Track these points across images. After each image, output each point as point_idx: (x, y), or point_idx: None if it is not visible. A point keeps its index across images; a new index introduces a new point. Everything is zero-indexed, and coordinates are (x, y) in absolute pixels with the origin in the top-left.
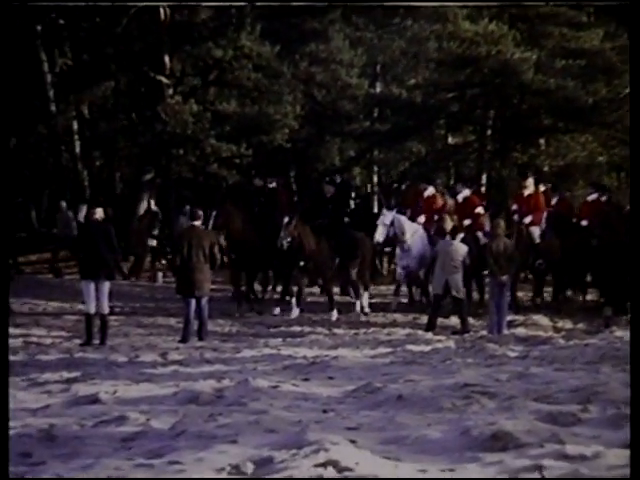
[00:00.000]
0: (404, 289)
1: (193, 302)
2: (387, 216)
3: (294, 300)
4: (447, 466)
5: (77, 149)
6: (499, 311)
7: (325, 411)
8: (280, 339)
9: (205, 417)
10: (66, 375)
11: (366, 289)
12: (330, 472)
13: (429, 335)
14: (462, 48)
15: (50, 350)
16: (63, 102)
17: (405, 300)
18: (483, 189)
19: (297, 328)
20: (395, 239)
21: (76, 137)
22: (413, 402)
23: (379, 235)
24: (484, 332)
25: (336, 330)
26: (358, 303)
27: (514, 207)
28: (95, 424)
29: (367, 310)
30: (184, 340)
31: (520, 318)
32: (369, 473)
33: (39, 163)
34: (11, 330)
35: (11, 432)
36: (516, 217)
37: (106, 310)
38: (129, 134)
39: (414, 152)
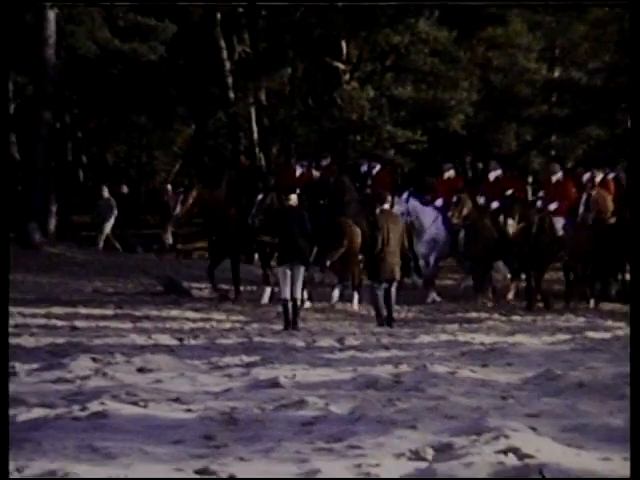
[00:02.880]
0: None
1: (384, 286)
2: (401, 205)
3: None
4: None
5: (255, 135)
6: None
7: (504, 398)
8: (457, 325)
9: (384, 402)
10: (246, 359)
11: (355, 287)
12: (511, 459)
13: (609, 322)
14: None
15: (229, 334)
16: (241, 89)
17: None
18: None
19: (474, 314)
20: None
21: (254, 124)
22: (594, 389)
23: None
24: None
25: (513, 316)
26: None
27: (541, 194)
28: (275, 408)
29: (356, 308)
30: (381, 324)
31: None
32: (551, 460)
33: (218, 150)
34: (192, 314)
35: (194, 415)
36: (539, 203)
37: (299, 295)
38: (306, 120)
39: (593, 137)
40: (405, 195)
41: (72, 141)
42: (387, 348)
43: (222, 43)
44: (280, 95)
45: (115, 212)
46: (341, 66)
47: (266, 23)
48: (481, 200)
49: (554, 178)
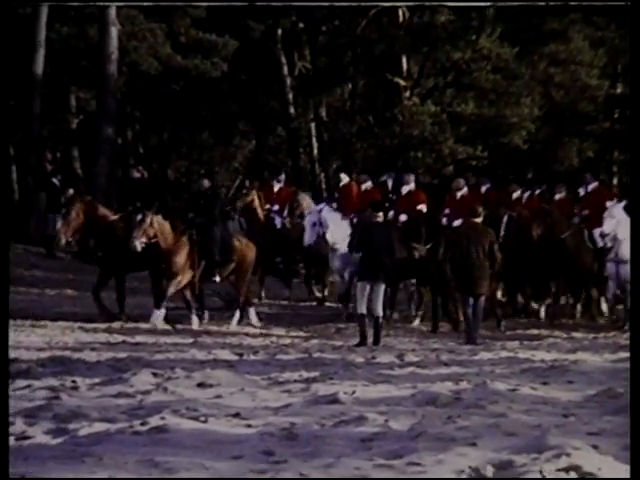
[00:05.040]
0: None
1: (471, 300)
2: (313, 215)
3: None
4: None
5: (315, 151)
6: None
7: (565, 416)
8: (517, 342)
9: (444, 419)
10: (305, 374)
11: (248, 304)
12: (572, 477)
13: None
14: None
15: (289, 350)
16: (302, 105)
17: None
18: None
19: (534, 331)
20: (324, 240)
21: (314, 140)
22: None
23: (307, 238)
24: None
25: (574, 334)
26: (194, 318)
27: (445, 211)
28: (335, 424)
29: (257, 324)
30: (471, 342)
31: None
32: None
33: (278, 165)
34: (251, 330)
35: (253, 430)
36: (444, 220)
37: (380, 312)
38: (366, 136)
39: None
40: (321, 205)
41: (134, 157)
42: (447, 365)
43: (283, 59)
44: (340, 111)
45: None
46: (402, 82)
47: (327, 39)
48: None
49: (459, 194)
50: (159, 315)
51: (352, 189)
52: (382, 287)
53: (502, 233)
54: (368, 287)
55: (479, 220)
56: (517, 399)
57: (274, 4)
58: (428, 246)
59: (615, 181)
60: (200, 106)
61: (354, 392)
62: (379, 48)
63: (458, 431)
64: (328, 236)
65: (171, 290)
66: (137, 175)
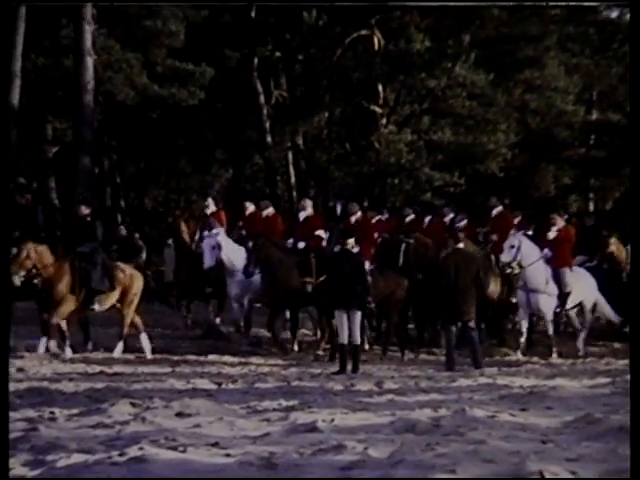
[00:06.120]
0: None
1: (454, 328)
2: (211, 238)
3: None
4: None
5: (292, 179)
6: None
7: (544, 442)
8: (495, 368)
9: (422, 446)
10: (284, 403)
11: (139, 331)
12: None
13: None
14: None
15: (268, 378)
16: (279, 133)
17: None
18: None
19: (512, 357)
20: (223, 265)
21: (291, 167)
22: None
23: (207, 261)
24: None
25: (552, 360)
26: (67, 350)
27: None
28: (314, 452)
29: (149, 355)
30: (450, 369)
31: None
32: None
33: (255, 194)
34: (230, 359)
35: (232, 460)
36: (337, 248)
37: (358, 340)
38: (343, 164)
39: None
40: (216, 229)
41: (111, 186)
42: (426, 392)
43: (259, 87)
44: (317, 139)
45: None
46: (378, 109)
47: (303, 67)
48: (290, 241)
49: (353, 219)
50: (43, 344)
51: (257, 216)
52: (358, 315)
53: (401, 261)
54: (345, 316)
55: (462, 246)
56: (496, 426)
57: (272, 3)
58: (321, 278)
59: (591, 206)
60: (177, 135)
61: (333, 420)
62: (355, 76)
63: (437, 458)
64: (224, 258)
65: (54, 319)
66: (22, 201)
